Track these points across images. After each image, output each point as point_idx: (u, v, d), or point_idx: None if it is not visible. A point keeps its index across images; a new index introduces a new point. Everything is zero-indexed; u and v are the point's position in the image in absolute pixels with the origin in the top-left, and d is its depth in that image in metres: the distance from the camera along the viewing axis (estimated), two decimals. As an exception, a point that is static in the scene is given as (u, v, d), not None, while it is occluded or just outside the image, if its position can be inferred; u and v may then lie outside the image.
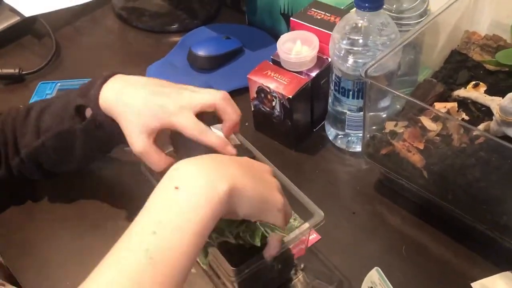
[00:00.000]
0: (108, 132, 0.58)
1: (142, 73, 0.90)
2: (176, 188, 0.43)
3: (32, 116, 0.63)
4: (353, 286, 0.51)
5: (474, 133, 0.59)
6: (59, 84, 0.86)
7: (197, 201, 0.42)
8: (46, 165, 0.65)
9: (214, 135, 0.54)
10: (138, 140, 0.54)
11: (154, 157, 0.55)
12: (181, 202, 0.42)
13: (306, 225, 0.53)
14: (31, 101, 0.84)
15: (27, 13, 0.98)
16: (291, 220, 0.57)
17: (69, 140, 0.61)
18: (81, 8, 1.05)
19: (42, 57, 0.95)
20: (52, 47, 0.97)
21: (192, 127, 0.53)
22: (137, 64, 0.92)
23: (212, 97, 0.55)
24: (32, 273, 0.63)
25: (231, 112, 0.56)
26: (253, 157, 0.57)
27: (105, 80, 0.57)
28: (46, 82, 0.88)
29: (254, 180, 0.47)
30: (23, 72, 0.92)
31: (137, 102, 0.54)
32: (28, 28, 1.02)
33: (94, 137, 0.60)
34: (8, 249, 0.66)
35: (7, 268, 0.64)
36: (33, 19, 1.00)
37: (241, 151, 0.57)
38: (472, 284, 0.59)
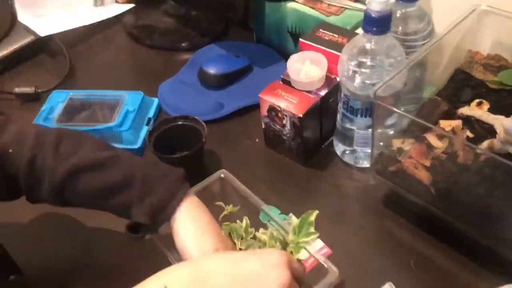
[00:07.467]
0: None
1: (155, 90, 0.93)
2: None
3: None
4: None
5: (478, 151, 0.61)
6: (71, 93, 0.89)
7: None
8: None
9: None
10: None
11: None
12: None
13: (322, 285, 0.54)
14: (43, 108, 0.87)
15: (42, 33, 1.01)
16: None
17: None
18: (94, 27, 1.08)
19: (56, 75, 0.99)
20: (66, 65, 1.00)
21: None
22: (149, 82, 0.95)
23: None
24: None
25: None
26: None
27: (178, 202, 0.55)
28: (59, 91, 0.91)
29: None
30: (39, 91, 0.95)
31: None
32: (42, 47, 1.05)
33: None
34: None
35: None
36: (47, 38, 1.03)
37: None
38: (479, 296, 0.61)
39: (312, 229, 0.55)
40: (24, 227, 0.73)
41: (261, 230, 0.60)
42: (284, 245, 0.55)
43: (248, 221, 0.58)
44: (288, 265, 0.49)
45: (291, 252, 0.54)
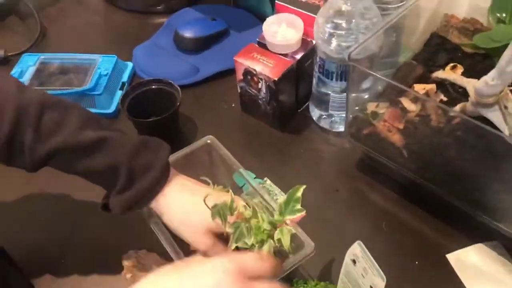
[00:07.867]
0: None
1: (129, 54, 0.91)
2: None
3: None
4: (336, 258, 0.55)
5: (451, 114, 0.62)
6: (42, 57, 0.87)
7: None
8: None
9: None
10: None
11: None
12: None
13: (297, 258, 0.53)
14: (13, 71, 0.84)
15: (10, -7, 0.98)
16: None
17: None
18: (65, -12, 1.05)
19: (26, 38, 0.95)
20: (36, 28, 0.97)
21: None
22: (123, 46, 0.93)
23: None
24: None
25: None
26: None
27: (164, 182, 0.55)
28: (30, 54, 0.88)
29: None
30: (9, 54, 0.92)
31: None
32: (12, 9, 1.01)
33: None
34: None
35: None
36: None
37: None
38: (447, 256, 0.63)
39: (298, 206, 0.50)
40: (9, 209, 0.71)
41: (241, 203, 0.54)
42: (273, 226, 0.51)
43: (233, 196, 0.53)
44: (235, 275, 0.43)
45: (279, 240, 0.49)
